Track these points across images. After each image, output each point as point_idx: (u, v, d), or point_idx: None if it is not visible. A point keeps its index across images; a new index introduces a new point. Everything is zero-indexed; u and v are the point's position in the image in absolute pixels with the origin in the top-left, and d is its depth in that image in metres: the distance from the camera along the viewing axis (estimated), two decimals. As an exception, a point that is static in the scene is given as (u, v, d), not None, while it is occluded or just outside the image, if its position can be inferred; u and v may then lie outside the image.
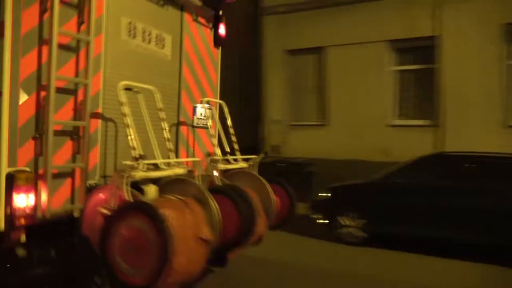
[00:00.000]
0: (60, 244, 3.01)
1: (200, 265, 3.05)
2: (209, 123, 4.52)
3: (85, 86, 3.01)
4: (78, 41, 3.02)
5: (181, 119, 4.35)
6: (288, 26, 11.00)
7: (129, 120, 2.92)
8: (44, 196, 2.74)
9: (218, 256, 3.86)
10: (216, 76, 4.98)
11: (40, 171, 2.75)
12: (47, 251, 2.96)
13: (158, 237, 2.40)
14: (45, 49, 2.73)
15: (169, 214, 2.73)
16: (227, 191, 3.40)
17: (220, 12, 4.94)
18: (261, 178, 4.29)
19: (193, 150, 4.50)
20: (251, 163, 4.46)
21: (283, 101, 11.25)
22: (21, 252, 2.76)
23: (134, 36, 3.63)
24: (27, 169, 2.68)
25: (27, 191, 2.63)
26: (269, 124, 11.40)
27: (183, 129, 4.38)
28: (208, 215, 3.11)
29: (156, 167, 3.12)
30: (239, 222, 3.26)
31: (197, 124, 4.53)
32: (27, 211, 2.64)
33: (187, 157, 4.37)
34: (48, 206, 2.74)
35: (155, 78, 3.86)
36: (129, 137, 2.86)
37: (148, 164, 2.96)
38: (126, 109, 2.92)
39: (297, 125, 11.02)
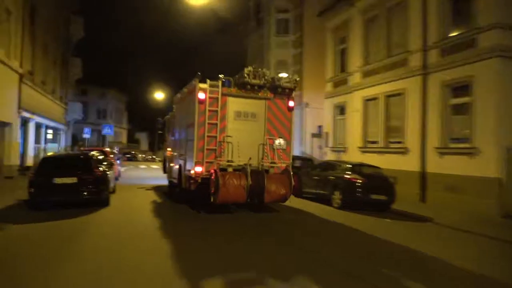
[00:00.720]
0: (204, 183, 9.84)
1: (241, 195, 9.14)
2: (284, 147, 10.33)
3: (216, 137, 9.78)
4: (215, 123, 9.80)
5: (266, 145, 10.31)
6: None
7: (230, 145, 9.55)
8: (204, 169, 9.69)
9: (257, 201, 9.74)
10: (290, 125, 10.63)
11: (204, 161, 9.71)
12: (203, 184, 9.91)
13: (215, 180, 8.87)
14: (204, 126, 9.72)
15: (229, 175, 9.13)
16: (255, 172, 9.31)
17: (292, 94, 10.60)
18: (290, 171, 9.78)
19: (271, 159, 10.29)
20: (287, 164, 9.98)
21: None
22: (199, 183, 9.85)
23: (239, 117, 10.10)
24: (203, 160, 9.69)
25: (199, 166, 9.68)
26: None
27: (266, 149, 10.33)
28: (247, 179, 9.15)
29: (231, 162, 9.53)
30: (255, 184, 9.10)
31: (276, 147, 10.36)
32: (199, 172, 9.66)
33: (267, 162, 10.25)
34: (205, 172, 9.65)
35: (251, 132, 10.16)
36: (226, 151, 9.48)
37: (227, 160, 9.44)
38: (229, 141, 9.57)
39: None
